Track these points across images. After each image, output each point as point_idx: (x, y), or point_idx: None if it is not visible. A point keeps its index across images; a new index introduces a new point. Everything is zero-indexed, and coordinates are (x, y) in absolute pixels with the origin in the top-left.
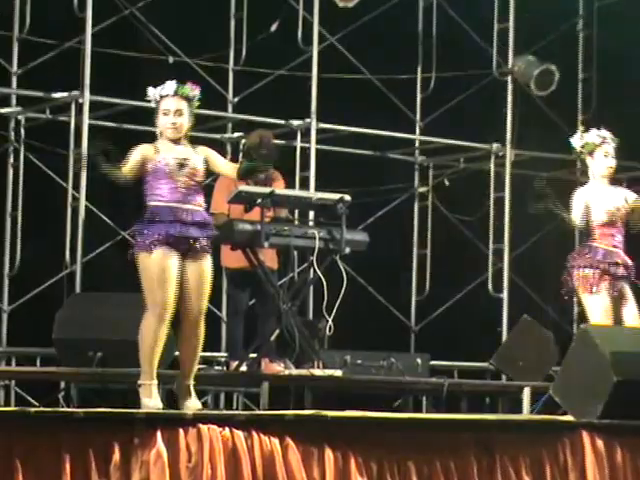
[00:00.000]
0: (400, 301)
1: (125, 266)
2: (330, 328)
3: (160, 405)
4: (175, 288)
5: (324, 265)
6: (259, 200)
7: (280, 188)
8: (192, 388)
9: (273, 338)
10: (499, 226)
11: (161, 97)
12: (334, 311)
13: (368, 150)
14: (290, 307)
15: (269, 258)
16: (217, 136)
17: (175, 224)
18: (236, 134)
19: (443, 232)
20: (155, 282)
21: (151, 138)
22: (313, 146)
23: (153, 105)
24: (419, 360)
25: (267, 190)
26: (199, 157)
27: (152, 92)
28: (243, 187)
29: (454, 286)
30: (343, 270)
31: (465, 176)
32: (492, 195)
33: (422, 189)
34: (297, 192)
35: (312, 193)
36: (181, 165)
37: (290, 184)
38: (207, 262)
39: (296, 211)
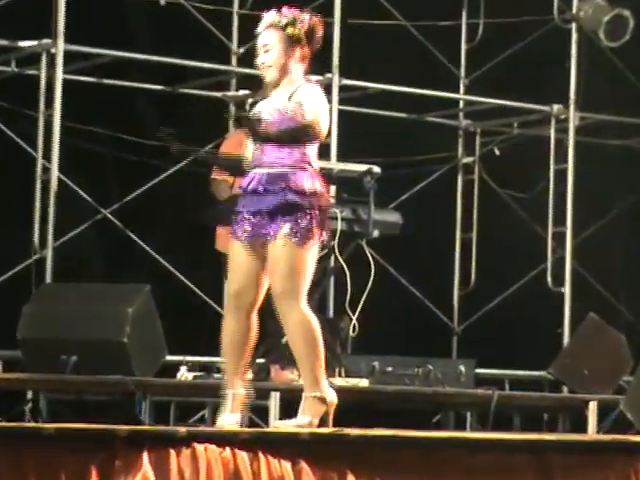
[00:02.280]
0: (440, 296)
1: (107, 251)
2: (354, 328)
3: (236, 420)
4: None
5: (348, 252)
6: None
7: None
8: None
9: (284, 341)
10: (560, 205)
11: (258, 35)
12: (359, 308)
13: (401, 112)
14: (307, 301)
15: None
16: (218, 94)
17: None
18: (241, 92)
19: (492, 212)
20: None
21: (139, 95)
22: (335, 107)
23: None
24: (462, 367)
25: None
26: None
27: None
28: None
29: (505, 278)
30: (371, 258)
31: (519, 144)
32: (552, 167)
33: (467, 159)
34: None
35: (333, 164)
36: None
37: None
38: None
39: None
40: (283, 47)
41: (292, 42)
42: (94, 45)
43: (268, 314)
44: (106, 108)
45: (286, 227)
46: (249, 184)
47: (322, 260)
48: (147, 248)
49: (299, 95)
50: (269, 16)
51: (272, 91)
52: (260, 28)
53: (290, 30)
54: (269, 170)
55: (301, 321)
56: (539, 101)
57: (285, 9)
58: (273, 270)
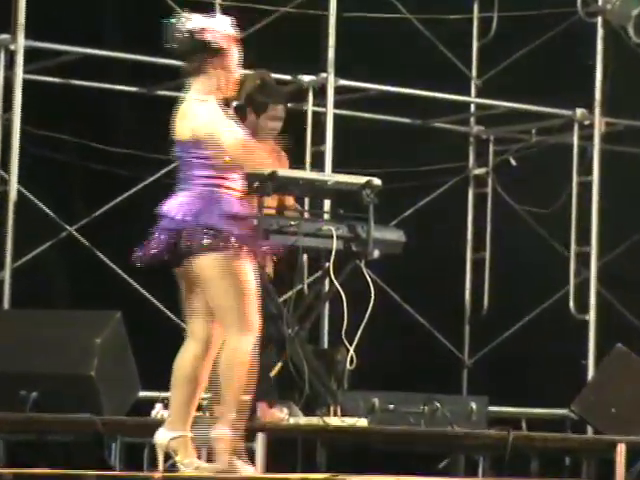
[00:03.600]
0: (448, 324)
1: (73, 273)
2: (352, 360)
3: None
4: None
5: (344, 274)
6: (255, 184)
7: (283, 168)
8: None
9: (273, 374)
10: (584, 222)
11: (230, 39)
12: (357, 337)
13: (405, 117)
14: (297, 331)
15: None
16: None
17: (240, 220)
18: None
19: (507, 229)
20: (251, 298)
21: (110, 97)
22: (330, 110)
23: (223, 45)
24: (474, 405)
25: (266, 171)
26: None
27: (224, 22)
28: None
29: (522, 304)
30: (370, 281)
31: (538, 153)
32: (575, 179)
33: (479, 171)
34: (308, 174)
35: (328, 175)
36: None
37: (298, 162)
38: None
39: (306, 200)
40: None
41: None
42: (59, 41)
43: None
44: (73, 112)
45: None
46: None
47: (315, 284)
48: (117, 269)
49: None
50: None
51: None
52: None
53: None
54: None
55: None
56: (560, 105)
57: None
58: None
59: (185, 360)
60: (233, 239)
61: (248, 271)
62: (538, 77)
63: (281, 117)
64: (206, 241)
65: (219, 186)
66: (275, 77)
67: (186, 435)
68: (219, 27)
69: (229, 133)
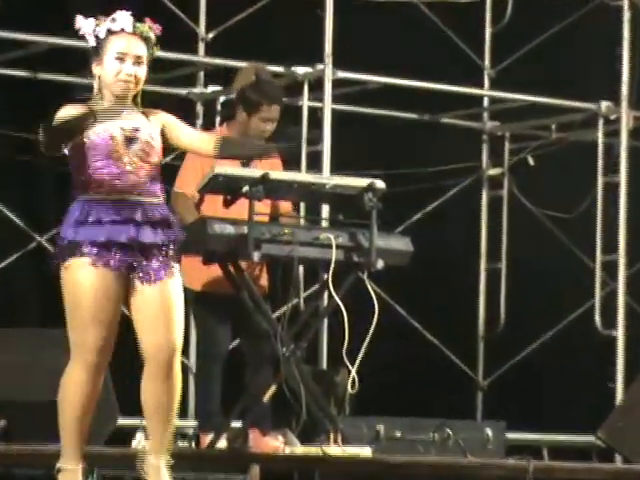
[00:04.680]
0: (461, 341)
1: (42, 287)
2: (354, 382)
3: None
4: (115, 322)
5: (345, 287)
6: (245, 188)
7: (276, 170)
8: (166, 470)
9: (267, 398)
10: (611, 227)
11: (110, 33)
12: (360, 357)
13: (410, 112)
14: (293, 351)
15: (255, 276)
16: (182, 91)
17: (120, 225)
18: (211, 88)
19: (525, 236)
20: (84, 313)
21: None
22: (328, 105)
23: (92, 44)
24: (489, 431)
25: (257, 173)
26: (154, 126)
27: (89, 25)
28: (221, 168)
29: (542, 318)
30: (374, 295)
31: (559, 151)
32: (600, 180)
33: (494, 171)
34: (303, 176)
35: (326, 178)
36: (130, 139)
37: (292, 164)
38: (173, 279)
39: (302, 205)
40: (147, 66)
41: (149, 64)
42: (27, 31)
43: (247, 367)
44: (42, 108)
45: None
46: None
47: (313, 298)
48: None
49: (161, 117)
50: (140, 25)
51: (114, 106)
52: (125, 26)
53: (154, 51)
54: None
55: None
56: (583, 97)
57: (151, 23)
58: None
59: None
60: (64, 246)
61: (84, 282)
62: (558, 67)
63: (275, 118)
64: (55, 251)
65: (78, 192)
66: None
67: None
68: (87, 25)
69: None
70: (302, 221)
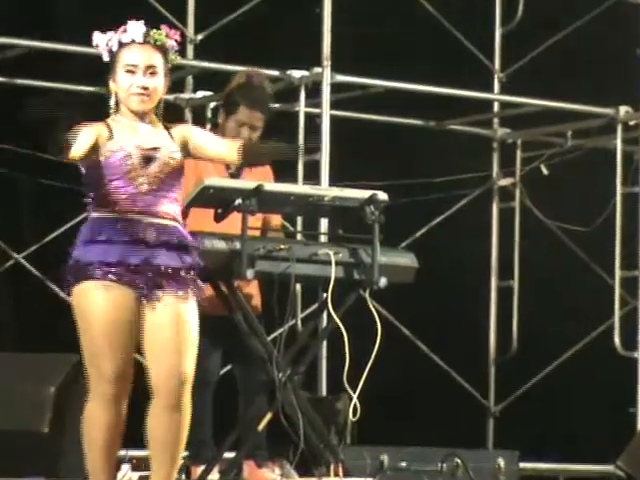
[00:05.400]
0: (470, 364)
1: (18, 309)
2: (356, 410)
3: None
4: (131, 347)
5: (346, 307)
6: (238, 201)
7: (268, 180)
8: None
9: (262, 427)
10: (631, 241)
11: (121, 45)
12: (362, 382)
13: (415, 119)
14: (290, 376)
15: (248, 295)
16: (169, 97)
17: (132, 246)
18: (200, 93)
19: (539, 251)
20: (97, 340)
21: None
22: (326, 111)
23: (105, 59)
24: (501, 461)
25: (250, 185)
26: (176, 144)
27: (102, 38)
28: (211, 180)
29: (557, 340)
30: (376, 315)
31: (574, 160)
32: (619, 190)
33: (505, 181)
34: (300, 188)
35: (325, 189)
36: (148, 159)
37: (287, 175)
38: (189, 305)
39: (299, 219)
40: (164, 75)
41: (169, 72)
42: (3, 33)
43: (241, 393)
44: (18, 117)
45: None
46: None
47: (311, 319)
48: None
49: (182, 131)
50: (154, 33)
51: (133, 122)
52: (135, 36)
53: (172, 58)
54: None
55: None
56: (601, 102)
57: (167, 28)
58: None
59: None
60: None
61: (95, 306)
62: (573, 69)
63: (254, 126)
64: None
65: (90, 210)
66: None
67: None
68: (101, 40)
69: None
70: (299, 236)
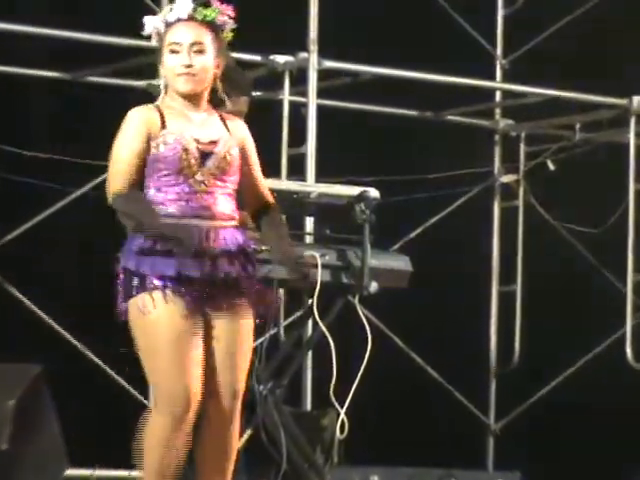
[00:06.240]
0: (468, 377)
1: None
2: (343, 426)
3: None
4: (200, 364)
5: (333, 314)
6: None
7: None
8: None
9: (241, 445)
10: None
11: (168, 25)
12: (350, 396)
13: (410, 109)
14: (271, 389)
15: None
16: (140, 83)
17: (191, 258)
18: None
19: (544, 254)
20: (164, 360)
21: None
22: (312, 101)
23: (155, 43)
24: None
25: None
26: (234, 139)
27: (151, 21)
28: None
29: (564, 351)
30: (366, 323)
31: (583, 154)
32: (631, 187)
33: (507, 178)
34: (284, 184)
35: (311, 186)
36: (205, 154)
37: (270, 169)
38: (247, 317)
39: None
40: (215, 53)
41: (222, 50)
42: None
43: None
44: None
45: None
46: None
47: (295, 327)
48: (36, 310)
49: (243, 129)
50: (201, 8)
51: (185, 109)
52: (180, 13)
53: (226, 36)
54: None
55: None
56: (611, 92)
57: (219, 4)
58: None
59: None
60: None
61: (158, 323)
62: (582, 56)
63: (239, 111)
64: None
65: None
66: (239, 58)
67: None
68: (150, 24)
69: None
70: None
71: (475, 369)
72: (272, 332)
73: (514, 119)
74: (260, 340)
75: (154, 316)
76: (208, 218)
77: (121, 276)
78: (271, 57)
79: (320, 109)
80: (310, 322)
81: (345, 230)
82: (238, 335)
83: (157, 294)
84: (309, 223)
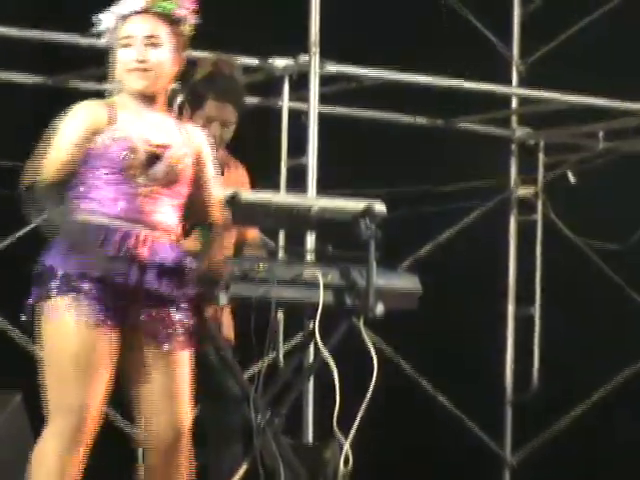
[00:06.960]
0: (483, 407)
1: None
2: (347, 459)
3: None
4: (106, 381)
5: (336, 338)
6: None
7: (244, 188)
8: None
9: (238, 478)
10: None
11: (122, 18)
12: (355, 426)
13: (419, 116)
14: (270, 420)
15: (217, 323)
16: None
17: (121, 262)
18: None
19: (564, 273)
20: (68, 368)
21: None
22: (314, 107)
23: (107, 42)
24: None
25: (224, 193)
26: (191, 141)
27: (105, 20)
28: None
29: (585, 378)
30: (372, 347)
31: (606, 165)
32: None
33: (524, 190)
34: (283, 197)
35: (312, 199)
36: (155, 157)
37: (268, 181)
38: (183, 344)
39: (281, 232)
40: (173, 48)
41: (181, 47)
42: None
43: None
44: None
45: None
46: None
47: (295, 352)
48: (15, 333)
49: (200, 135)
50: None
51: (139, 107)
52: (134, 5)
53: (185, 29)
54: None
55: None
56: (636, 97)
57: None
58: None
59: None
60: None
61: (71, 327)
62: (605, 59)
63: (226, 121)
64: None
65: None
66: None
67: None
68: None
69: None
70: (281, 254)
71: (490, 396)
72: (270, 357)
73: (532, 127)
74: (257, 367)
75: (67, 320)
76: (146, 225)
77: (37, 272)
78: (269, 60)
79: (322, 116)
80: (311, 347)
81: (349, 247)
82: (177, 366)
83: (75, 297)
84: (310, 239)
